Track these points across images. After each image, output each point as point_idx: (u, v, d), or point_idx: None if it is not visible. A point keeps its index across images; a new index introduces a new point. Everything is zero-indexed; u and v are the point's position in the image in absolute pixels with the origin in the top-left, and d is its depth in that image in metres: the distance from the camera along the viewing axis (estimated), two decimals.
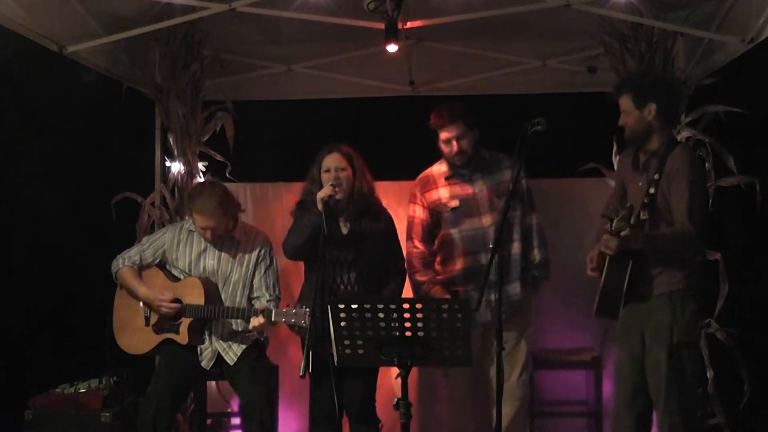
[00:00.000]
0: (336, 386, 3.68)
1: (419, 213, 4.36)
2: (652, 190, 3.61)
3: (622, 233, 3.51)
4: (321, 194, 3.84)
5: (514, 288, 4.24)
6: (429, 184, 4.37)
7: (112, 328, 4.31)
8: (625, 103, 3.73)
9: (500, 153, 4.37)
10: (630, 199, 3.80)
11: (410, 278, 4.31)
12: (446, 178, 4.34)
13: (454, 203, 4.28)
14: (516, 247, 4.26)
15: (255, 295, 4.26)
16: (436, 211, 4.33)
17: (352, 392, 3.97)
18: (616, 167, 4.52)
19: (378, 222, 4.07)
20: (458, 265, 4.26)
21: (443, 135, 4.25)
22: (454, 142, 4.22)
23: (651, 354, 3.66)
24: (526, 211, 4.32)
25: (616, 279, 3.64)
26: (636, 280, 3.63)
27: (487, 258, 4.09)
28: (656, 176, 3.62)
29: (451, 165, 4.31)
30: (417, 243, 4.34)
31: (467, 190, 4.30)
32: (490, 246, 3.67)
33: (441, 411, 4.77)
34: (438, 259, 4.36)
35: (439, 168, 4.39)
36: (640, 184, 3.72)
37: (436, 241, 4.36)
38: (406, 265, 4.27)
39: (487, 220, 4.25)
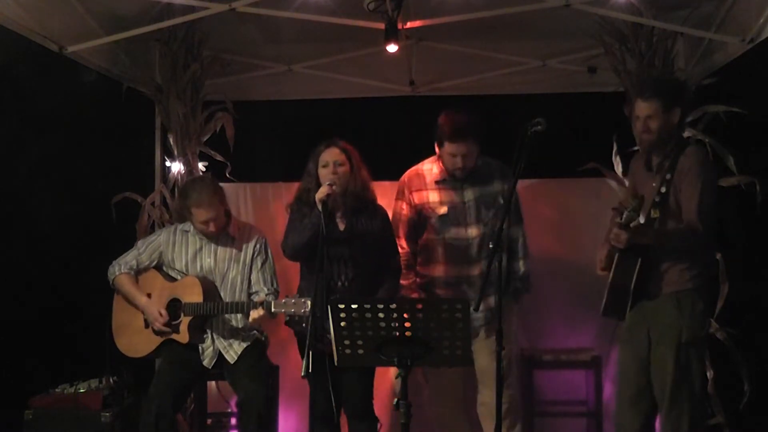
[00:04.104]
0: (333, 385, 3.68)
1: (405, 210, 4.30)
2: (663, 189, 3.62)
3: (632, 224, 3.50)
4: (319, 195, 3.82)
5: (495, 300, 4.01)
6: (419, 184, 4.30)
7: (111, 329, 4.31)
8: (653, 107, 3.68)
9: (492, 160, 4.30)
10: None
11: None
12: (437, 182, 4.27)
13: (443, 210, 4.22)
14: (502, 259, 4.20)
15: (253, 290, 4.26)
16: (423, 214, 4.27)
17: (350, 390, 3.96)
18: (619, 168, 4.53)
19: (375, 219, 4.07)
20: (438, 272, 4.25)
21: (450, 148, 4.13)
22: (460, 158, 4.13)
23: (657, 353, 3.65)
24: (512, 221, 4.23)
25: (624, 276, 3.65)
26: (644, 278, 3.64)
27: (469, 269, 4.17)
28: (668, 176, 3.63)
29: (444, 169, 4.24)
30: (402, 242, 4.28)
31: (457, 198, 4.23)
32: (490, 246, 3.65)
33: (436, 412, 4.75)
34: (419, 260, 4.33)
35: (431, 168, 4.30)
36: (653, 184, 3.71)
37: (420, 242, 4.31)
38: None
39: (473, 232, 4.20)
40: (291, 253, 4.04)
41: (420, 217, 4.28)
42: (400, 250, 4.27)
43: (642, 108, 3.72)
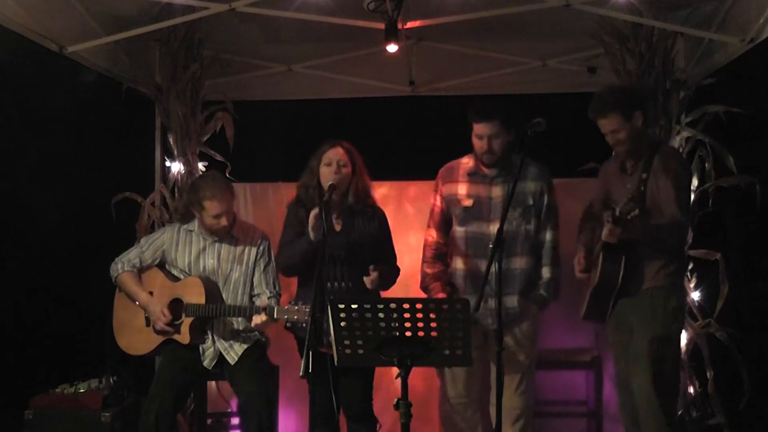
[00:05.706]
0: (333, 386, 3.68)
1: (438, 202, 4.28)
2: (642, 188, 3.68)
3: (631, 215, 3.50)
4: (312, 221, 3.78)
5: (511, 301, 4.08)
6: (451, 176, 4.25)
7: (111, 328, 4.31)
8: (615, 121, 3.77)
9: (529, 160, 4.11)
10: (616, 200, 3.83)
11: (421, 267, 4.26)
12: (468, 174, 4.21)
13: (469, 202, 4.17)
14: (520, 262, 4.11)
15: (255, 292, 4.26)
16: (449, 205, 4.24)
17: (349, 391, 3.96)
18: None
19: (372, 221, 4.06)
20: (459, 264, 4.21)
21: (477, 129, 4.08)
22: (486, 140, 4.06)
23: (633, 349, 3.74)
24: (542, 227, 4.16)
25: (610, 274, 3.73)
26: (626, 276, 3.73)
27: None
28: (644, 175, 3.70)
29: (477, 161, 4.20)
30: (433, 232, 4.25)
31: (485, 192, 4.16)
32: (490, 246, 3.65)
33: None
34: (448, 251, 4.32)
35: (467, 162, 4.25)
36: (628, 185, 3.78)
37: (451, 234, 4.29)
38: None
39: (494, 228, 4.05)
40: (284, 270, 4.08)
41: (448, 209, 4.26)
42: (429, 239, 4.25)
43: (605, 125, 3.81)
